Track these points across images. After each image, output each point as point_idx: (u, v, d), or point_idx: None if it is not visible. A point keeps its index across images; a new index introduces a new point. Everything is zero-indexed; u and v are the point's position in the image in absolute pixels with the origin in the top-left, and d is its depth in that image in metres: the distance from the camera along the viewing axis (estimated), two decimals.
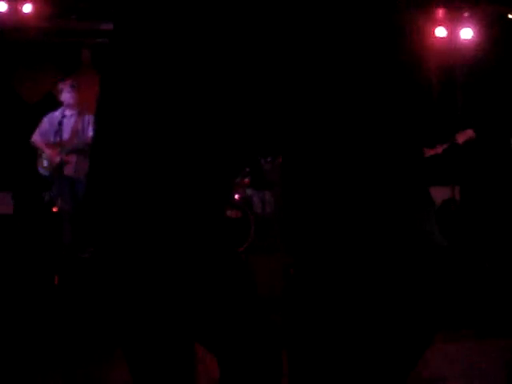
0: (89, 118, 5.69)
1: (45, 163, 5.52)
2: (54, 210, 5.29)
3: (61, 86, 5.58)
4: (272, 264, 4.50)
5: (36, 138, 5.60)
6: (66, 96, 5.45)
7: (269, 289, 4.35)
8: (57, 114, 5.53)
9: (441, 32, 7.03)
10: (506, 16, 6.56)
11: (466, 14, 6.90)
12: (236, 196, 6.56)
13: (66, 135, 5.49)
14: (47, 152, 5.48)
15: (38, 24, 6.36)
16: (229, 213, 6.30)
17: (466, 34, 6.96)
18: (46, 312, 3.83)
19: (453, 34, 7.03)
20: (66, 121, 5.43)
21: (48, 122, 5.58)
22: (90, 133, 5.65)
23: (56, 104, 5.73)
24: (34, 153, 5.63)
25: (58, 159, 5.35)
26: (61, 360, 3.57)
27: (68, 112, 5.51)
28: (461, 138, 6.13)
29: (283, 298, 4.36)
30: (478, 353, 3.78)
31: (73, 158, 5.52)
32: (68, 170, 5.50)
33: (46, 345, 3.70)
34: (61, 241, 4.98)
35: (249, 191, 6.80)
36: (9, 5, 6.17)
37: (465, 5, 6.84)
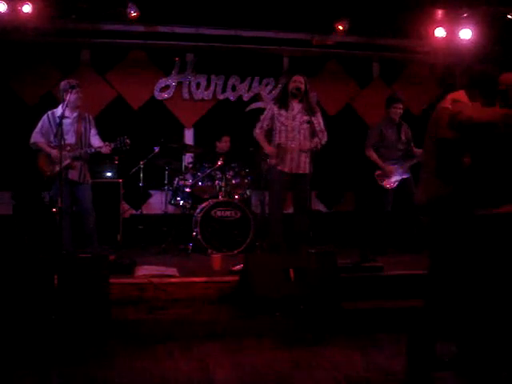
0: (89, 118, 5.68)
1: (49, 164, 5.46)
2: (54, 210, 5.28)
3: (64, 85, 5.47)
4: (272, 264, 4.50)
5: (38, 138, 5.53)
6: (72, 97, 5.36)
7: (269, 289, 4.36)
8: (57, 113, 5.47)
9: (440, 32, 7.04)
10: (506, 16, 6.56)
11: (465, 15, 6.90)
12: (236, 196, 6.57)
13: (70, 138, 5.45)
14: (53, 154, 5.41)
15: (38, 24, 6.35)
16: (228, 213, 6.31)
17: (466, 34, 6.96)
18: (45, 312, 3.83)
19: (452, 34, 7.04)
20: (66, 122, 5.40)
21: (49, 121, 5.52)
22: (92, 136, 5.63)
23: (55, 104, 5.69)
24: (34, 153, 5.59)
25: (66, 162, 5.33)
26: (61, 360, 3.57)
27: (68, 112, 5.48)
28: None
29: (283, 297, 4.37)
30: None
31: (78, 164, 5.51)
32: (72, 175, 5.49)
33: (45, 344, 3.70)
34: (60, 241, 4.97)
35: (248, 192, 6.81)
36: (8, 5, 6.17)
37: (464, 5, 6.85)
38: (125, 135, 5.51)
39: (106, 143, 5.50)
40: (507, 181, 3.03)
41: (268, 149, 5.77)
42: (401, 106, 6.42)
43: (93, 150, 5.52)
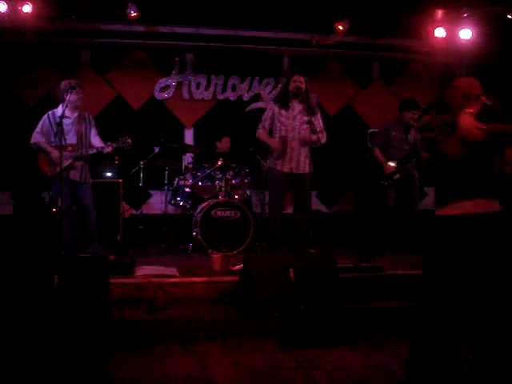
0: (89, 118, 5.67)
1: (49, 164, 5.44)
2: (54, 210, 5.27)
3: (64, 86, 5.45)
4: (272, 264, 4.49)
5: (39, 138, 5.49)
6: (72, 97, 5.35)
7: (269, 289, 4.35)
8: (58, 113, 5.44)
9: (440, 32, 7.04)
10: (506, 16, 6.57)
11: (465, 15, 6.90)
12: (236, 196, 6.57)
13: (71, 138, 5.44)
14: (54, 154, 5.39)
15: (38, 24, 6.36)
16: (228, 213, 6.31)
17: (466, 34, 6.97)
18: (45, 312, 3.83)
19: (452, 34, 7.04)
20: (67, 122, 5.38)
21: (50, 121, 5.50)
22: (92, 136, 5.63)
23: (55, 104, 5.68)
24: (34, 153, 5.58)
25: (67, 163, 5.32)
26: (61, 360, 3.57)
27: (69, 112, 5.47)
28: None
29: (283, 297, 4.37)
30: None
31: (79, 164, 5.51)
32: (74, 175, 5.48)
33: (45, 344, 3.69)
34: (60, 241, 4.97)
35: (248, 192, 6.81)
36: (8, 5, 6.17)
37: (464, 5, 6.85)
38: (125, 135, 5.51)
39: (108, 143, 5.49)
40: (444, 183, 3.19)
41: (273, 142, 5.74)
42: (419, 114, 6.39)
43: (94, 151, 5.51)
